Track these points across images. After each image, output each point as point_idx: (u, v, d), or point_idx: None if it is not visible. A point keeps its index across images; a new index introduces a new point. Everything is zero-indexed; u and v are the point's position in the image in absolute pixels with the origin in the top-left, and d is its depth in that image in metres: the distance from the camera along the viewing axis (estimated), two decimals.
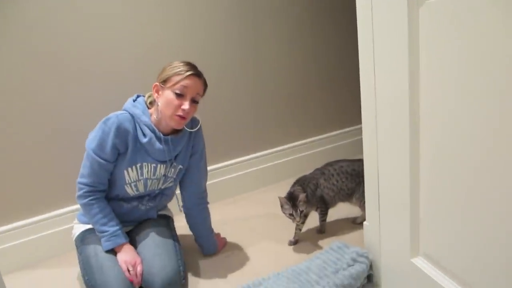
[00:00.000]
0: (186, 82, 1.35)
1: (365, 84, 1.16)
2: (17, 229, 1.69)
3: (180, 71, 1.36)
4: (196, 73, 1.38)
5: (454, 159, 0.85)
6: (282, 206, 1.58)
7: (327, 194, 1.66)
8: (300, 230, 1.68)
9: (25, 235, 1.70)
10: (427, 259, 1.02)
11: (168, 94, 1.36)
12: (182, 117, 1.37)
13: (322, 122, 2.46)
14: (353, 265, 1.30)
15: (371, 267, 1.33)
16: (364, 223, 1.36)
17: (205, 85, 1.43)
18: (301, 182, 1.65)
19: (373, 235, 1.30)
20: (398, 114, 0.99)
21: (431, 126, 0.91)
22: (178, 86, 1.35)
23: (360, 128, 1.25)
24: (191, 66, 1.39)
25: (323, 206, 1.67)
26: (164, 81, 1.37)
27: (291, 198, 1.55)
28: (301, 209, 1.54)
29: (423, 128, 0.93)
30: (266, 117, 2.25)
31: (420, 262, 1.04)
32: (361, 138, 1.26)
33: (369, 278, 1.34)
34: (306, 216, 1.66)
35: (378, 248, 1.26)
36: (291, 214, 1.55)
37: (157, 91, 1.40)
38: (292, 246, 1.65)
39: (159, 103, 1.38)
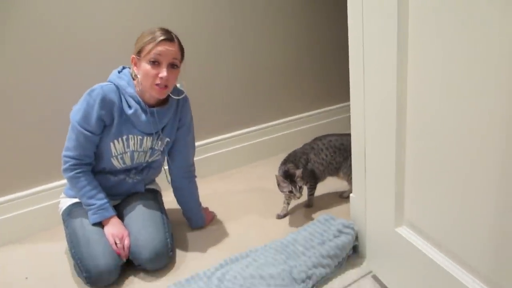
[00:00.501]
0: (159, 49, 1.30)
1: (354, 63, 1.16)
2: (3, 204, 1.67)
3: (151, 38, 1.31)
4: (168, 38, 1.32)
5: (439, 132, 0.85)
6: (279, 185, 1.58)
7: (317, 169, 1.66)
8: (289, 204, 1.69)
9: (11, 210, 1.69)
10: (411, 228, 1.03)
11: (144, 66, 1.32)
12: (162, 86, 1.34)
13: (312, 99, 2.46)
14: (339, 236, 1.32)
15: (357, 238, 1.35)
16: (351, 195, 1.37)
17: (181, 49, 1.38)
18: (292, 159, 1.65)
19: (359, 207, 1.31)
20: (386, 90, 0.98)
21: (417, 101, 0.91)
22: (151, 54, 1.30)
23: (349, 106, 1.25)
24: (162, 31, 1.33)
25: (313, 181, 1.68)
26: (139, 52, 1.33)
27: (288, 176, 1.55)
28: (299, 185, 1.54)
29: (410, 104, 0.93)
30: (256, 93, 2.24)
31: (404, 231, 1.05)
32: (349, 116, 1.26)
33: (355, 248, 1.36)
34: (309, 200, 1.68)
35: (363, 220, 1.28)
36: (290, 191, 1.55)
37: (135, 64, 1.36)
38: (280, 220, 1.66)
39: (139, 76, 1.35)
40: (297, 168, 1.59)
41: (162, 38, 1.31)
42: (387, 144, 1.02)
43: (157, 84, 1.33)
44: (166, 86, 1.35)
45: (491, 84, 0.70)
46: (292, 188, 1.53)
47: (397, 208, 1.05)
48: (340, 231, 1.33)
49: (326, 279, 1.26)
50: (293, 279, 1.21)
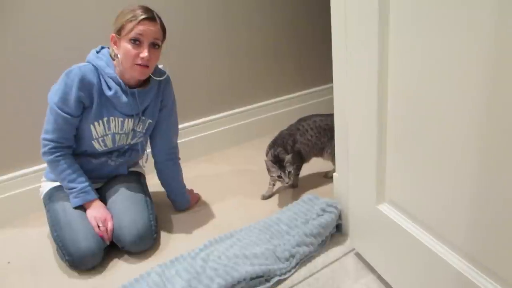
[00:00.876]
0: (139, 28, 1.26)
1: (337, 44, 1.17)
2: None
3: (132, 17, 1.26)
4: (150, 17, 1.28)
5: (419, 111, 0.85)
6: (268, 170, 1.57)
7: (303, 149, 1.66)
8: (274, 185, 1.69)
9: None
10: (392, 205, 1.04)
11: (124, 45, 1.28)
12: (143, 66, 1.31)
13: (297, 80, 2.44)
14: (322, 215, 1.33)
15: (340, 217, 1.36)
16: (334, 174, 1.38)
17: (163, 28, 1.34)
18: (280, 141, 1.64)
19: (342, 186, 1.32)
20: (368, 71, 0.98)
21: (398, 81, 0.90)
22: (132, 34, 1.26)
23: (332, 88, 1.25)
24: (144, 9, 1.29)
25: (299, 162, 1.68)
26: (119, 31, 1.29)
27: (277, 161, 1.54)
28: (289, 170, 1.53)
29: (391, 84, 0.93)
30: (240, 74, 2.21)
31: (385, 208, 1.06)
32: (332, 97, 1.26)
33: (338, 227, 1.38)
34: (294, 181, 1.68)
35: (346, 198, 1.29)
36: (279, 176, 1.54)
37: (115, 43, 1.32)
38: (265, 200, 1.67)
39: (119, 56, 1.31)
40: (287, 152, 1.58)
41: (143, 16, 1.27)
42: (369, 123, 1.02)
43: (138, 64, 1.30)
44: (147, 66, 1.32)
45: (470, 66, 0.70)
46: (281, 173, 1.53)
47: (378, 186, 1.06)
48: (324, 210, 1.34)
49: (309, 257, 1.28)
50: (276, 257, 1.22)
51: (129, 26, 1.27)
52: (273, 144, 1.64)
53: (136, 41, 1.27)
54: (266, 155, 1.63)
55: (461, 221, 0.81)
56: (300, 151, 1.66)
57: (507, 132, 0.66)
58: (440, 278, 0.88)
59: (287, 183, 1.54)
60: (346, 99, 1.17)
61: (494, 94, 0.67)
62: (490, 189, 0.72)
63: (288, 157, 1.52)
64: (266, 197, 1.68)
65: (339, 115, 1.27)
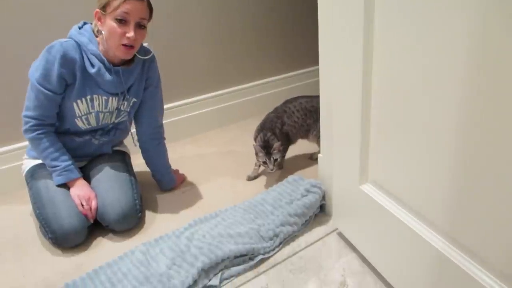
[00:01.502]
0: (126, 7, 1.22)
1: (323, 26, 1.16)
2: None
3: None
4: None
5: (402, 94, 0.86)
6: (256, 154, 1.58)
7: (291, 131, 1.67)
8: (259, 166, 1.70)
9: None
10: (375, 185, 1.06)
11: (109, 23, 1.25)
12: (128, 47, 1.28)
13: (282, 62, 2.43)
14: (306, 195, 1.34)
15: (324, 197, 1.38)
16: (319, 155, 1.39)
17: (149, 7, 1.31)
18: (269, 125, 1.63)
19: (326, 167, 1.33)
20: (352, 52, 0.98)
21: (382, 62, 0.91)
22: (118, 12, 1.22)
23: (317, 70, 1.24)
24: None
25: (286, 143, 1.69)
26: (104, 7, 1.24)
27: (266, 146, 1.54)
28: (275, 158, 1.54)
29: (375, 65, 0.93)
30: (225, 55, 2.19)
31: (368, 188, 1.07)
32: (317, 80, 1.26)
33: (322, 208, 1.40)
34: (279, 163, 1.67)
35: (330, 179, 1.30)
36: (264, 162, 1.55)
37: (99, 19, 1.28)
38: (249, 182, 1.68)
39: (103, 33, 1.28)
40: (275, 135, 1.58)
41: None
42: (353, 105, 1.03)
43: (123, 44, 1.27)
44: (132, 47, 1.29)
45: (454, 52, 0.70)
46: (266, 159, 1.53)
47: (361, 166, 1.07)
48: (308, 191, 1.35)
49: (293, 236, 1.30)
50: (260, 237, 1.24)
51: (115, 3, 1.22)
52: (262, 128, 1.64)
53: (122, 20, 1.24)
54: (255, 139, 1.62)
55: (441, 201, 0.83)
56: (288, 133, 1.66)
57: (486, 115, 0.67)
58: (420, 257, 0.91)
59: (271, 169, 1.54)
60: (331, 81, 1.17)
61: (473, 81, 0.68)
62: (468, 170, 0.74)
63: (277, 144, 1.53)
64: (251, 178, 1.69)
65: (324, 96, 1.27)
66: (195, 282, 1.09)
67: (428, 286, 0.90)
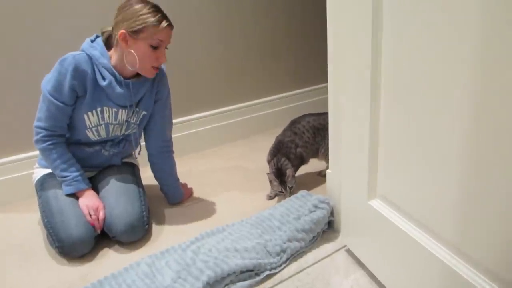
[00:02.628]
0: (162, 35, 1.31)
1: (332, 39, 1.18)
2: None
3: (154, 22, 1.27)
4: (170, 24, 1.33)
5: (410, 109, 0.86)
6: (271, 182, 1.58)
7: (305, 152, 1.66)
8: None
9: None
10: (384, 200, 1.04)
11: (142, 47, 1.30)
12: (157, 68, 1.37)
13: (292, 79, 2.45)
14: (314, 211, 1.33)
15: (332, 213, 1.36)
16: (327, 171, 1.38)
17: None
18: (284, 150, 1.62)
19: (335, 182, 1.32)
20: (361, 64, 0.98)
21: (391, 75, 0.91)
22: (155, 40, 1.30)
23: (325, 87, 1.26)
24: (162, 14, 1.31)
25: (299, 165, 1.68)
26: (136, 32, 1.28)
27: (279, 174, 1.54)
28: (290, 186, 1.54)
29: (384, 79, 0.94)
30: (237, 71, 2.22)
31: (376, 204, 1.06)
32: (325, 98, 1.27)
33: (330, 224, 1.38)
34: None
35: (338, 194, 1.29)
36: (280, 191, 1.55)
37: (125, 40, 1.30)
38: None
39: (130, 53, 1.31)
40: (290, 160, 1.58)
41: (167, 24, 1.31)
42: (362, 120, 1.03)
43: (153, 67, 1.35)
44: (158, 68, 1.38)
45: (458, 61, 0.70)
46: (282, 189, 1.54)
47: (370, 181, 1.06)
48: (316, 206, 1.34)
49: (300, 252, 1.28)
50: (267, 252, 1.22)
51: (151, 31, 1.29)
52: (276, 153, 1.62)
53: (155, 47, 1.31)
54: (269, 162, 1.62)
55: (450, 214, 0.81)
56: (302, 154, 1.66)
57: (494, 128, 0.67)
58: (429, 273, 0.89)
59: (287, 197, 1.52)
60: (340, 96, 1.18)
61: (482, 92, 0.67)
62: (477, 185, 0.73)
63: (289, 172, 1.53)
64: (271, 197, 1.66)
65: (333, 111, 1.27)
66: None
67: None
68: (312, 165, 1.81)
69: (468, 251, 0.79)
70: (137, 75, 1.42)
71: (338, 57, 1.18)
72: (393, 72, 0.90)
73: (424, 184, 0.87)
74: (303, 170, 1.82)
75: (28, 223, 1.54)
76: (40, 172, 1.47)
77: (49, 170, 1.45)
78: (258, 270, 1.18)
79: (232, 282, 1.15)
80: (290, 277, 1.19)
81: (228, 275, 1.14)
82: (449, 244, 0.84)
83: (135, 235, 1.37)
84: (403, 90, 0.88)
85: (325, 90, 1.29)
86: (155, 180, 1.63)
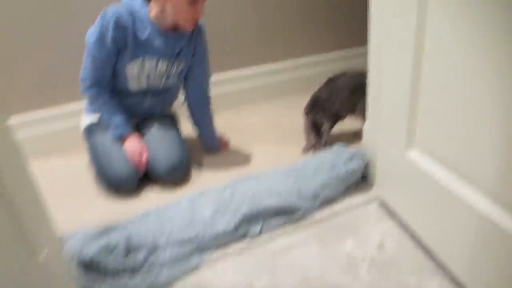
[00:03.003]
0: None
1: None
2: (33, 120, 1.76)
3: None
4: None
5: (451, 62, 0.85)
6: (307, 135, 1.63)
7: (341, 109, 1.67)
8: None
9: (39, 126, 1.78)
10: (421, 150, 1.04)
11: (180, 3, 1.35)
12: (195, 22, 1.42)
13: (329, 40, 2.41)
14: (349, 162, 1.35)
15: (366, 167, 1.38)
16: (364, 126, 1.39)
17: None
18: (320, 106, 1.65)
19: (372, 135, 1.33)
20: (404, 25, 0.97)
21: (433, 38, 0.90)
22: None
23: (365, 52, 1.26)
24: None
25: (335, 122, 1.70)
26: None
27: (315, 128, 1.59)
28: (325, 139, 1.60)
29: (427, 40, 0.93)
30: (273, 30, 2.21)
31: (414, 154, 1.06)
32: (364, 61, 1.28)
33: (364, 177, 1.40)
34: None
35: (375, 147, 1.30)
36: (316, 145, 1.61)
37: None
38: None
39: (168, 8, 1.37)
40: (326, 117, 1.62)
41: None
42: (403, 72, 1.03)
43: (191, 22, 1.40)
44: (197, 20, 1.42)
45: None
46: (316, 142, 1.59)
47: (408, 131, 1.07)
48: (351, 158, 1.36)
49: (333, 200, 1.31)
50: (301, 195, 1.27)
51: None
52: (312, 108, 1.65)
53: (192, 2, 1.35)
54: (306, 116, 1.66)
55: (490, 162, 0.81)
56: (338, 111, 1.67)
57: None
58: (466, 224, 0.89)
59: (320, 148, 1.58)
60: (381, 48, 1.17)
61: None
62: None
63: (325, 125, 1.55)
64: (307, 150, 1.70)
65: (373, 62, 1.26)
66: (236, 228, 1.14)
67: (472, 252, 0.90)
68: (347, 125, 1.82)
69: (510, 200, 0.79)
70: (176, 28, 1.46)
71: (380, 13, 1.16)
72: (437, 28, 0.89)
73: (464, 131, 0.87)
74: (338, 129, 1.83)
75: (78, 167, 1.66)
76: (87, 119, 1.57)
77: (95, 118, 1.54)
78: (291, 212, 1.23)
79: (268, 218, 1.20)
80: (321, 221, 1.24)
81: (264, 210, 1.20)
82: (489, 193, 0.84)
83: (177, 174, 1.46)
84: (445, 45, 0.87)
85: (364, 53, 1.28)
86: (193, 133, 1.69)
